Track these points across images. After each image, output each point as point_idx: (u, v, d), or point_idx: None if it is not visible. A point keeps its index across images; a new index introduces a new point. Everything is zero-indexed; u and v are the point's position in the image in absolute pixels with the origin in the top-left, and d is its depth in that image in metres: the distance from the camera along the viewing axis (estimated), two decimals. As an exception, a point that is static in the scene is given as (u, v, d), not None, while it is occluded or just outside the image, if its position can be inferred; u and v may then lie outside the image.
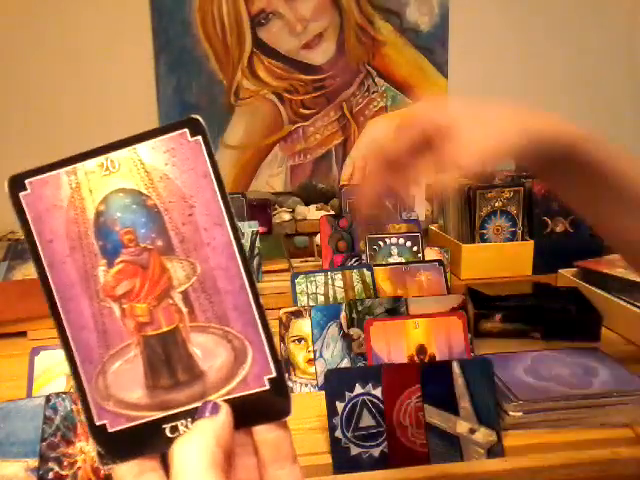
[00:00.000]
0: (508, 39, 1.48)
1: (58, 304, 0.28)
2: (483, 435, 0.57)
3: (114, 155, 0.27)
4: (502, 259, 1.03)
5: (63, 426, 0.56)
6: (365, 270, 0.86)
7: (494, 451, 0.57)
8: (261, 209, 1.20)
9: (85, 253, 0.27)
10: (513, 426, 0.60)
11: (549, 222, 1.05)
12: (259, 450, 0.26)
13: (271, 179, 1.47)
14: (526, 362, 0.69)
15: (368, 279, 0.86)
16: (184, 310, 0.27)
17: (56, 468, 0.54)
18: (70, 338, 0.28)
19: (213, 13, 1.36)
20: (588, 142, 0.50)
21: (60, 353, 0.65)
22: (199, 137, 0.27)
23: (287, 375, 0.28)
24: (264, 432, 0.27)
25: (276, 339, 0.76)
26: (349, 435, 0.57)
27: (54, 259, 0.27)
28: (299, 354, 0.71)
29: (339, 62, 1.42)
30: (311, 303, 0.83)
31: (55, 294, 0.27)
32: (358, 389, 0.58)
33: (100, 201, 0.27)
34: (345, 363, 0.71)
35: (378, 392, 0.58)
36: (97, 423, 0.27)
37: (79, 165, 0.28)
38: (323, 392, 0.59)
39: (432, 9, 1.43)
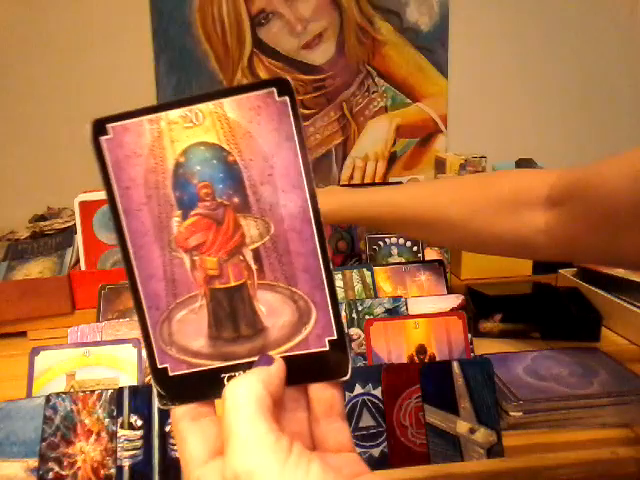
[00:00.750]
0: (508, 39, 1.48)
1: (130, 250, 0.28)
2: (483, 435, 0.57)
3: (199, 107, 0.27)
4: (502, 259, 1.02)
5: (63, 426, 0.56)
6: (365, 270, 0.86)
7: (494, 451, 0.57)
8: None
9: (161, 203, 0.27)
10: (513, 426, 0.60)
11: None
12: (313, 406, 0.28)
13: (271, 179, 1.47)
14: (526, 362, 0.70)
15: (368, 279, 0.86)
16: (254, 267, 0.28)
17: (56, 468, 0.54)
18: (139, 284, 0.28)
19: (213, 13, 1.36)
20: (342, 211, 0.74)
21: (60, 352, 0.66)
22: (286, 97, 0.27)
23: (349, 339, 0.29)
24: (320, 390, 0.28)
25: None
26: (349, 435, 0.57)
27: (130, 206, 0.27)
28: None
29: (339, 62, 1.42)
30: (311, 303, 0.83)
31: (128, 241, 0.28)
32: (358, 389, 0.58)
33: (180, 152, 0.27)
34: (345, 363, 0.71)
35: (378, 392, 0.58)
36: (159, 366, 0.28)
37: (163, 114, 0.27)
38: (323, 392, 0.59)
39: (432, 9, 1.43)
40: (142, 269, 0.28)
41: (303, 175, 0.27)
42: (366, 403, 0.58)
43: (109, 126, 0.28)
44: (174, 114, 0.27)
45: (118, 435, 0.56)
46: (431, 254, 0.97)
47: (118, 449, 0.55)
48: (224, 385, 0.27)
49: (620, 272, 0.86)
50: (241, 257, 0.28)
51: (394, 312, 0.75)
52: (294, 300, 0.28)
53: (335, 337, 0.28)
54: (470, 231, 0.64)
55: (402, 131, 1.47)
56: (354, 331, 0.73)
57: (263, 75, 1.40)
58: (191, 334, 0.28)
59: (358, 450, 0.57)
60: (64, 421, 0.56)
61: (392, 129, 1.47)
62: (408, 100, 1.46)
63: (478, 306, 0.85)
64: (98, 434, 0.56)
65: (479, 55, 1.47)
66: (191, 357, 0.28)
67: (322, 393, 0.28)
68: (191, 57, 1.37)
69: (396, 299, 0.76)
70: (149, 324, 0.28)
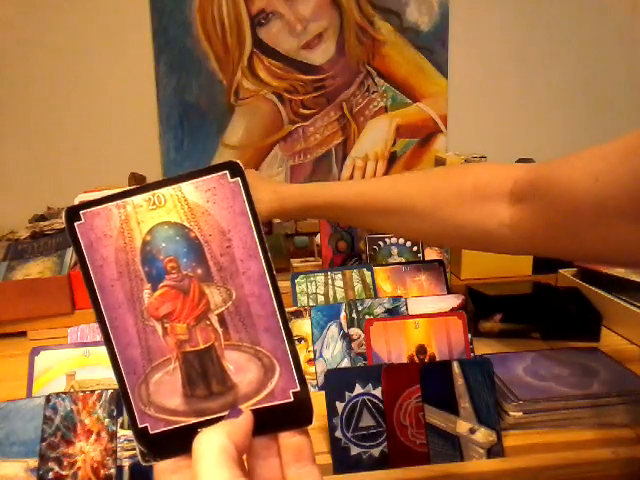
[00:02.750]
0: (508, 39, 1.48)
1: (107, 322, 0.31)
2: (483, 435, 0.57)
3: (160, 192, 0.30)
4: (502, 259, 1.03)
5: (63, 426, 0.56)
6: (365, 270, 0.86)
7: (494, 451, 0.57)
8: (261, 209, 1.20)
9: (132, 278, 0.30)
10: (513, 426, 0.60)
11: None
12: (282, 452, 0.30)
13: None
14: (526, 362, 0.69)
15: (368, 279, 0.86)
16: (219, 330, 0.31)
17: (56, 468, 0.54)
18: (117, 352, 0.31)
19: (213, 13, 1.36)
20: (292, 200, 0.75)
21: (60, 352, 0.66)
22: (238, 179, 0.30)
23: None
24: (288, 437, 0.30)
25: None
26: (349, 435, 0.57)
27: (104, 282, 0.31)
28: (299, 354, 0.71)
29: (339, 62, 1.42)
30: (311, 303, 0.83)
31: (104, 313, 0.31)
32: (358, 389, 0.58)
33: (147, 232, 0.30)
34: (345, 363, 0.71)
35: (378, 392, 0.58)
36: (140, 426, 0.31)
37: (128, 199, 0.31)
38: (323, 392, 0.59)
39: (432, 9, 1.42)
40: (119, 338, 0.31)
41: (258, 245, 0.30)
42: (366, 403, 0.58)
43: (81, 212, 0.31)
44: (139, 199, 0.31)
45: (118, 435, 0.56)
46: (431, 254, 0.97)
47: (118, 449, 0.55)
48: None
49: (620, 272, 0.86)
50: (208, 322, 0.31)
51: (394, 312, 0.75)
52: (259, 358, 0.31)
53: (298, 389, 0.31)
54: (435, 221, 0.64)
55: (402, 131, 1.47)
56: (354, 331, 0.73)
57: (263, 75, 1.40)
58: (167, 394, 0.31)
59: (358, 450, 0.57)
60: (64, 421, 0.56)
61: (392, 129, 1.47)
62: (408, 100, 1.46)
63: (478, 306, 0.85)
64: (98, 434, 0.56)
65: (479, 55, 1.47)
66: (169, 415, 0.31)
67: (290, 440, 0.30)
68: (191, 57, 1.37)
69: (396, 299, 0.76)
70: (128, 388, 0.31)
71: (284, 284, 0.90)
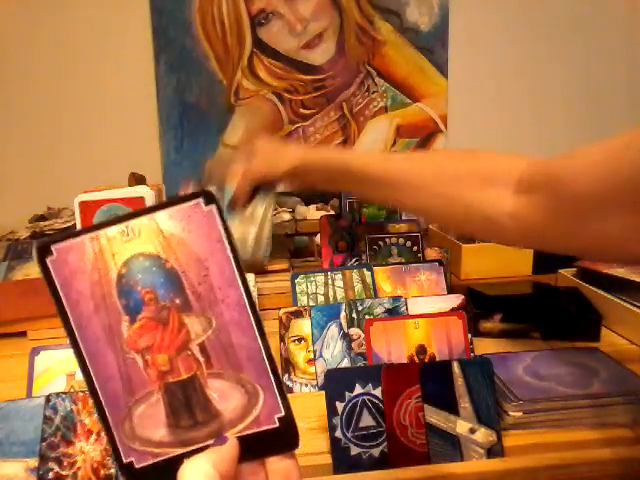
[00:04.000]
0: (508, 39, 1.48)
1: (85, 357, 0.30)
2: (483, 435, 0.57)
3: (134, 222, 0.30)
4: (502, 259, 1.03)
5: (63, 426, 0.56)
6: (365, 270, 0.86)
7: (494, 451, 0.57)
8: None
9: (109, 311, 0.30)
10: (513, 426, 0.60)
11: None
12: (270, 476, 0.30)
13: (271, 179, 1.47)
14: (526, 362, 0.69)
15: (368, 279, 0.86)
16: (201, 359, 0.31)
17: (56, 468, 0.54)
18: (98, 388, 0.30)
19: (213, 13, 1.36)
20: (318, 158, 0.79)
21: (60, 352, 0.66)
22: (212, 206, 0.30)
23: (293, 412, 0.32)
24: (275, 462, 0.30)
25: (276, 339, 0.75)
26: (349, 435, 0.57)
27: (81, 318, 0.30)
28: (299, 354, 0.71)
29: (339, 62, 1.42)
30: (311, 303, 0.83)
31: (82, 348, 0.30)
32: (358, 389, 0.58)
33: (122, 264, 0.30)
34: (345, 363, 0.71)
35: (378, 392, 0.58)
36: (125, 461, 0.30)
37: (101, 232, 0.30)
38: (323, 392, 0.59)
39: (432, 9, 1.42)
40: (99, 373, 0.30)
41: (236, 272, 0.30)
42: (366, 403, 0.58)
43: (53, 247, 0.30)
44: (112, 231, 0.30)
45: (118, 435, 0.56)
46: (431, 254, 0.97)
47: (118, 449, 0.55)
48: None
49: (620, 272, 0.86)
50: (189, 352, 0.30)
51: (394, 312, 0.75)
52: (242, 385, 0.31)
53: (283, 414, 0.31)
54: (442, 198, 0.65)
55: (402, 131, 1.47)
56: (354, 331, 0.73)
57: (263, 75, 1.40)
58: (151, 426, 0.30)
59: (358, 450, 0.57)
60: (64, 421, 0.56)
61: (392, 129, 1.47)
62: (408, 100, 1.46)
63: (478, 306, 0.85)
64: (98, 434, 0.56)
65: (479, 55, 1.47)
66: (154, 447, 0.30)
67: (278, 465, 0.30)
68: (191, 57, 1.37)
69: (396, 299, 0.76)
70: (111, 423, 0.30)
71: (284, 284, 0.90)
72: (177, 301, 0.30)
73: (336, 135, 1.45)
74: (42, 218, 1.19)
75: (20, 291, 0.88)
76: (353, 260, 0.98)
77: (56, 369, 0.64)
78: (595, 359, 0.70)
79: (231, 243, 0.30)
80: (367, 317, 0.73)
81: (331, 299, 0.84)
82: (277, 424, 0.31)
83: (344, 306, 0.74)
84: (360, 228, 1.01)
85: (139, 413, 0.30)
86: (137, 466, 0.30)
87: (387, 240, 0.97)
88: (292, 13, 1.37)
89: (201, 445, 0.30)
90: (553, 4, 1.47)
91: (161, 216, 0.30)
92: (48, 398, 0.57)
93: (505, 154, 0.64)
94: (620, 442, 0.58)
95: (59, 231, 1.08)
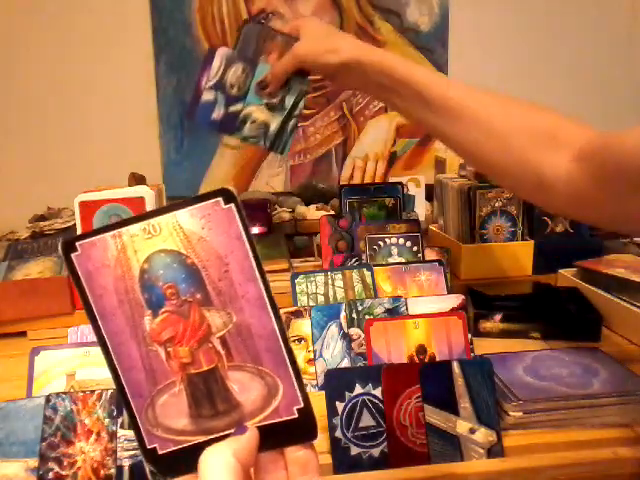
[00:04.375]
0: (508, 39, 1.48)
1: (110, 349, 0.31)
2: (483, 435, 0.57)
3: (155, 220, 0.31)
4: (502, 259, 1.03)
5: (63, 426, 0.56)
6: (365, 270, 0.86)
7: (494, 451, 0.57)
8: (261, 209, 1.20)
9: (132, 305, 0.31)
10: (513, 426, 0.60)
11: (549, 222, 1.05)
12: (289, 465, 0.31)
13: (271, 179, 1.47)
14: (526, 362, 0.69)
15: (368, 279, 0.86)
16: (222, 352, 0.31)
17: (56, 468, 0.54)
18: (122, 377, 0.31)
19: (213, 13, 1.36)
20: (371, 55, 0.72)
21: (60, 352, 0.66)
22: (232, 204, 0.31)
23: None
24: (294, 451, 0.31)
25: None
26: (349, 435, 0.57)
27: (105, 311, 0.31)
28: (299, 354, 0.72)
29: (339, 62, 1.42)
30: (311, 303, 0.83)
31: (107, 340, 0.31)
32: (358, 389, 0.58)
33: (144, 260, 0.31)
34: (345, 363, 0.71)
35: (378, 392, 0.58)
36: (148, 447, 0.32)
37: (124, 229, 0.31)
38: (323, 392, 0.59)
39: (432, 9, 1.43)
40: (122, 364, 0.31)
41: (255, 268, 0.31)
42: (366, 403, 0.58)
43: (78, 244, 0.31)
44: (134, 228, 0.31)
45: (118, 435, 0.56)
46: (431, 254, 0.97)
47: (118, 449, 0.55)
48: None
49: (620, 272, 0.86)
50: (210, 344, 0.31)
51: (394, 312, 0.75)
52: (262, 377, 0.32)
53: (302, 405, 0.32)
54: (501, 143, 0.62)
55: (402, 131, 1.47)
56: (354, 331, 0.73)
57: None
58: (174, 415, 0.32)
59: (358, 450, 0.57)
60: (64, 421, 0.56)
61: (392, 129, 1.47)
62: (408, 100, 1.46)
63: (478, 306, 0.85)
64: (98, 434, 0.56)
65: (479, 55, 1.47)
66: (176, 435, 0.31)
67: (296, 454, 0.31)
68: (191, 57, 1.37)
69: (396, 299, 0.76)
70: (135, 411, 0.32)
71: (284, 284, 0.90)
72: (198, 296, 0.31)
73: (336, 135, 1.45)
74: (42, 218, 1.19)
75: (20, 291, 0.88)
76: (353, 260, 0.98)
77: (56, 369, 0.64)
78: (595, 359, 0.70)
79: (250, 240, 0.31)
80: (367, 317, 0.73)
81: (331, 299, 0.84)
82: (296, 415, 0.32)
83: (344, 306, 0.74)
84: (360, 228, 1.01)
85: (162, 402, 0.31)
86: (160, 452, 0.31)
87: (387, 240, 0.97)
88: (292, 13, 1.37)
89: (222, 434, 0.31)
90: (553, 4, 1.47)
91: (182, 214, 0.31)
92: (48, 398, 0.57)
93: (572, 120, 0.63)
94: (620, 442, 0.58)
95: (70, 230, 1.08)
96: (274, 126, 0.85)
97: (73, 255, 0.31)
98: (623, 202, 0.53)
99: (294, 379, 0.32)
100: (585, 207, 0.59)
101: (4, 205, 1.31)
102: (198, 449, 0.30)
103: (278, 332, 0.31)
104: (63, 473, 0.54)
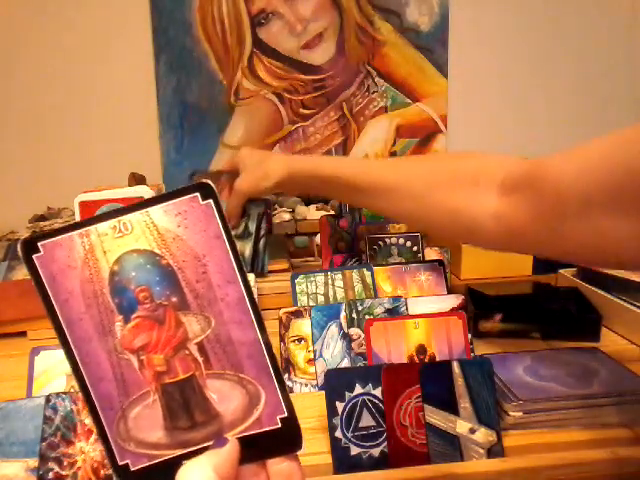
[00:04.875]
0: (508, 39, 1.48)
1: (77, 357, 0.29)
2: (483, 435, 0.57)
3: (126, 218, 0.29)
4: (502, 259, 1.03)
5: (63, 426, 0.56)
6: (365, 270, 0.86)
7: (494, 451, 0.57)
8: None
9: (101, 310, 0.29)
10: (513, 426, 0.60)
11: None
12: (271, 478, 0.30)
13: (271, 179, 1.47)
14: (526, 362, 0.69)
15: (368, 279, 0.86)
16: (200, 359, 0.29)
17: (56, 468, 0.54)
18: (90, 388, 0.29)
19: (213, 13, 1.36)
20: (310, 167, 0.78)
21: (60, 352, 0.65)
22: (210, 200, 0.29)
23: (295, 413, 0.31)
24: (277, 463, 0.30)
25: (276, 339, 0.75)
26: (349, 435, 0.57)
27: (71, 316, 0.29)
28: (299, 354, 0.71)
29: (339, 62, 1.42)
30: (311, 303, 0.83)
31: (73, 349, 0.29)
32: (358, 389, 0.58)
33: (114, 261, 0.29)
34: (345, 363, 0.71)
35: (378, 392, 0.58)
36: (120, 463, 0.29)
37: (92, 228, 0.29)
38: (323, 392, 0.59)
39: (432, 9, 1.43)
40: (91, 373, 0.29)
41: (235, 268, 0.29)
42: (366, 403, 0.58)
43: (40, 244, 0.29)
44: (103, 226, 0.29)
45: (118, 435, 0.56)
46: (431, 254, 0.97)
47: (118, 449, 0.55)
48: None
49: (620, 272, 0.86)
50: (187, 351, 0.29)
51: (394, 312, 0.75)
52: (243, 385, 0.30)
53: (285, 414, 0.30)
54: (428, 203, 0.64)
55: (402, 131, 1.47)
56: (354, 331, 0.73)
57: (263, 75, 1.40)
58: (148, 428, 0.29)
59: (358, 450, 0.57)
60: (64, 421, 0.56)
61: (392, 129, 1.47)
62: (408, 100, 1.46)
63: (478, 306, 0.85)
64: (98, 434, 0.56)
65: (479, 55, 1.47)
66: (151, 449, 0.29)
67: (279, 466, 0.30)
68: (191, 57, 1.37)
69: (396, 299, 0.76)
70: (105, 424, 0.29)
71: (284, 284, 0.90)
72: (174, 299, 0.29)
73: (336, 135, 1.45)
74: (42, 218, 1.19)
75: (20, 291, 0.88)
76: (353, 260, 0.98)
77: (56, 369, 0.64)
78: (595, 359, 0.70)
79: (230, 239, 0.29)
80: (367, 317, 0.73)
81: (331, 299, 0.84)
82: (279, 425, 0.30)
83: (344, 306, 0.74)
84: (360, 228, 1.01)
85: (134, 415, 0.29)
86: (133, 468, 0.29)
87: (387, 240, 0.97)
88: (292, 13, 1.37)
89: (199, 446, 0.29)
90: (553, 4, 1.47)
91: (155, 211, 0.29)
92: (48, 398, 0.57)
93: (495, 154, 0.63)
94: (619, 442, 0.58)
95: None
96: (247, 252, 0.92)
97: (34, 256, 0.29)
98: (559, 230, 0.51)
99: (277, 387, 0.30)
100: (519, 240, 0.57)
101: (4, 205, 1.31)
102: (174, 464, 0.28)
103: (260, 337, 0.30)
104: (63, 473, 0.54)
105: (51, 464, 0.54)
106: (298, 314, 0.74)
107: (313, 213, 1.28)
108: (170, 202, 0.29)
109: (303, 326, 0.73)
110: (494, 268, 1.02)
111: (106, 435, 0.29)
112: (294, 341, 0.72)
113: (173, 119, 1.40)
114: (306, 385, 0.70)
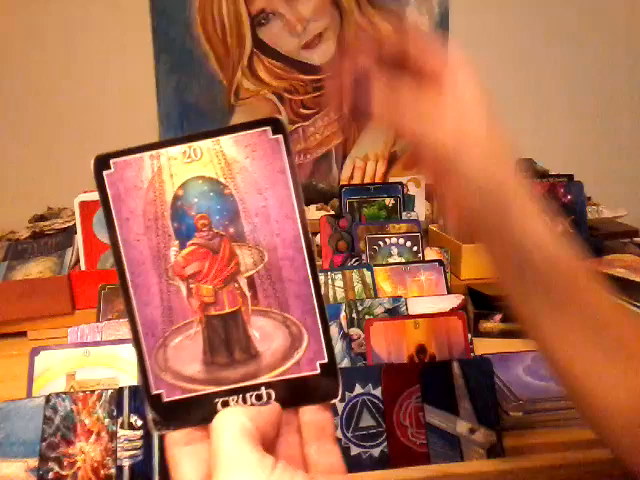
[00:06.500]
0: (508, 39, 1.48)
1: (128, 278, 0.29)
2: (483, 435, 0.57)
3: (197, 144, 0.29)
4: (502, 259, 1.02)
5: (63, 426, 0.56)
6: (365, 270, 0.86)
7: (494, 451, 0.57)
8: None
9: (159, 233, 0.29)
10: (513, 426, 0.60)
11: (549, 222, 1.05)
12: (304, 429, 0.28)
13: (271, 179, 1.47)
14: (526, 362, 0.69)
15: (368, 279, 0.86)
16: (248, 294, 0.29)
17: (56, 468, 0.54)
18: (136, 311, 0.29)
19: (213, 13, 1.36)
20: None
21: (60, 352, 0.66)
22: (280, 136, 0.28)
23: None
24: (310, 413, 0.29)
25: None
26: (349, 435, 0.57)
27: (129, 236, 0.29)
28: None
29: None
30: (311, 303, 0.83)
31: (126, 269, 0.29)
32: (358, 389, 0.58)
33: (179, 186, 0.29)
34: (345, 363, 0.71)
35: (378, 392, 0.58)
36: (154, 392, 0.29)
37: (163, 150, 0.29)
38: (323, 392, 0.59)
39: (432, 9, 1.42)
40: (139, 297, 0.29)
41: (295, 206, 0.29)
42: (366, 403, 0.58)
43: (112, 161, 0.29)
44: (174, 150, 0.29)
45: (118, 435, 0.56)
46: (431, 254, 0.97)
47: (118, 449, 0.55)
48: (217, 410, 0.28)
49: (620, 272, 0.86)
50: (236, 284, 0.29)
51: (394, 312, 0.75)
52: (286, 325, 0.29)
53: (326, 360, 0.29)
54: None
55: (402, 131, 1.47)
56: (354, 331, 0.73)
57: (263, 75, 1.40)
58: (186, 360, 0.29)
59: (358, 450, 0.57)
60: (64, 421, 0.56)
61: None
62: (408, 100, 1.46)
63: (478, 306, 0.85)
64: (98, 434, 0.56)
65: (479, 55, 1.47)
66: (185, 382, 0.29)
67: (313, 416, 0.29)
68: (191, 57, 1.37)
69: (396, 299, 0.76)
70: (144, 350, 0.29)
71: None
72: (231, 230, 0.29)
73: (336, 135, 1.45)
74: (42, 218, 1.19)
75: (20, 291, 0.88)
76: (353, 260, 0.98)
77: (56, 369, 0.64)
78: (595, 359, 0.70)
79: (294, 176, 0.29)
80: (367, 317, 0.73)
81: (331, 299, 0.84)
82: (318, 370, 0.29)
83: (344, 306, 0.74)
84: (360, 228, 1.01)
85: (175, 344, 0.29)
86: (165, 399, 0.29)
87: (387, 240, 0.97)
88: (292, 13, 1.37)
89: (234, 386, 0.29)
90: (553, 4, 1.47)
91: (226, 140, 0.29)
92: (48, 398, 0.57)
93: None
94: (620, 442, 0.58)
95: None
96: None
97: (105, 173, 0.29)
98: None
99: (321, 331, 0.29)
100: None
101: (4, 205, 1.31)
102: (206, 400, 0.28)
103: (311, 278, 0.29)
104: (63, 473, 0.54)
105: (51, 464, 0.54)
106: (298, 314, 0.74)
107: (313, 213, 1.28)
108: (241, 133, 0.29)
109: (303, 326, 0.73)
110: (494, 268, 1.02)
111: (144, 361, 0.29)
112: (294, 341, 0.72)
113: (173, 119, 1.39)
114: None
